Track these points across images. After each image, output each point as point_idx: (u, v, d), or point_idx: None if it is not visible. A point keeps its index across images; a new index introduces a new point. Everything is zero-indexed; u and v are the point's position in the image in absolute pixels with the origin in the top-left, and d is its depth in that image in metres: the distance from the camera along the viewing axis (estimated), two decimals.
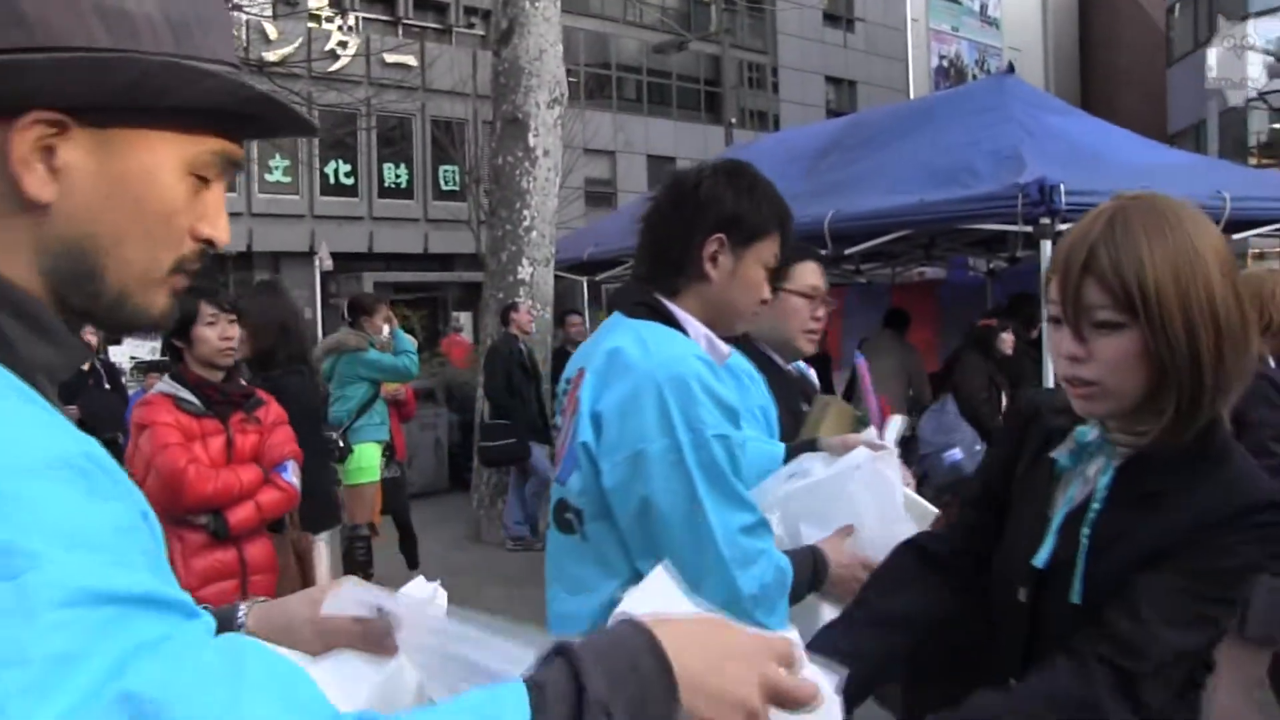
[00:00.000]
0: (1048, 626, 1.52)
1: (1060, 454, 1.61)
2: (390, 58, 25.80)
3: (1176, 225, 1.45)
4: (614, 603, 1.90)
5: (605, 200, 30.20)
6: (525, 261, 9.54)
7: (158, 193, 0.92)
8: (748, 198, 2.12)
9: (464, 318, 22.34)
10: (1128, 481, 1.52)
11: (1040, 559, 1.56)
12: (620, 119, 31.63)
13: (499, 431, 8.84)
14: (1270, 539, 1.43)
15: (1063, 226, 6.29)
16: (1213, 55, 17.48)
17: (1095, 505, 1.53)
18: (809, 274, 2.94)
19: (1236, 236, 7.97)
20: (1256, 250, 19.20)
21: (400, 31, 27.49)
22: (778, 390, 2.79)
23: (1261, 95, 18.10)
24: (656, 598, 1.19)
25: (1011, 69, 8.89)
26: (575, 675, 0.85)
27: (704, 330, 2.11)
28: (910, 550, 1.87)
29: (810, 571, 2.16)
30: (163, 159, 0.93)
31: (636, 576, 1.91)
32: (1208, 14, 29.52)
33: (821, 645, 1.64)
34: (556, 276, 10.33)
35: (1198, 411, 1.45)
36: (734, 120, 24.03)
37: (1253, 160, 24.77)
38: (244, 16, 20.45)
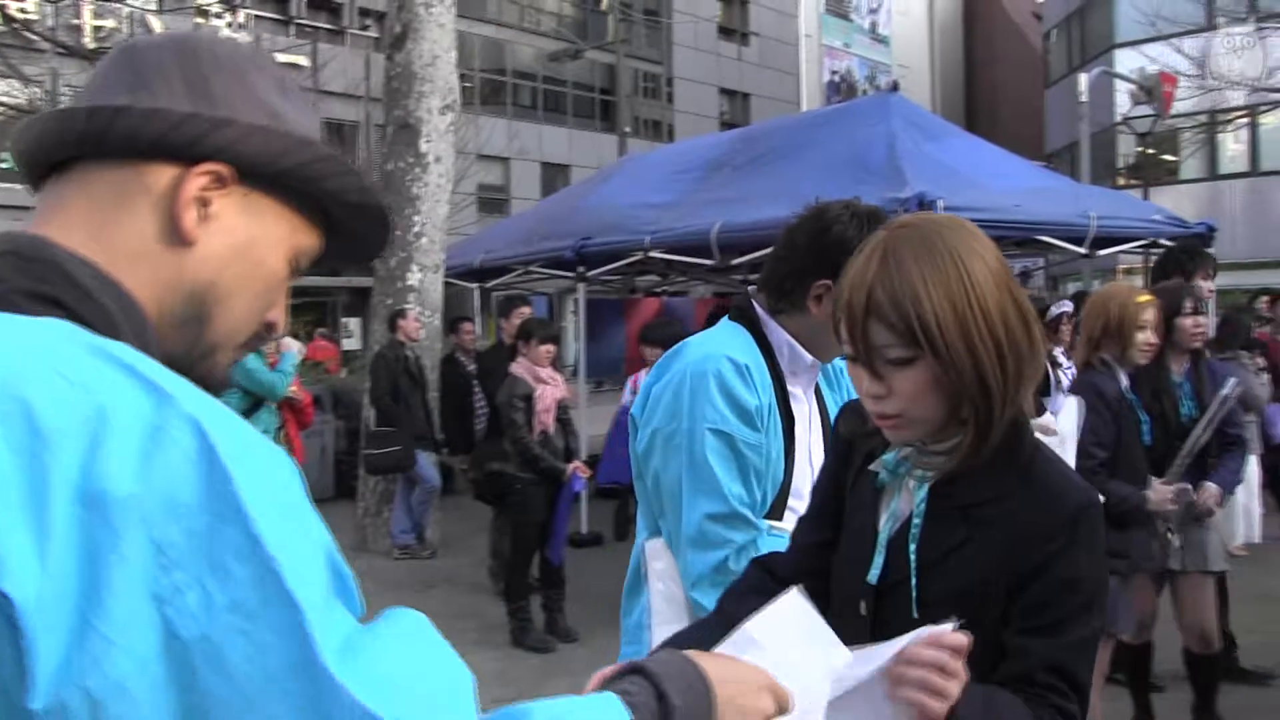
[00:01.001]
0: (891, 637, 1.58)
1: (879, 468, 1.66)
2: (281, 58, 25.37)
3: (945, 251, 1.49)
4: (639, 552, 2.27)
5: (498, 207, 30.11)
6: (415, 268, 9.48)
7: (271, 265, 1.05)
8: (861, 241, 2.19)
9: (354, 324, 22.06)
10: (943, 496, 1.58)
11: (873, 576, 1.62)
12: (515, 126, 31.58)
13: (384, 439, 8.76)
14: (1096, 539, 1.52)
15: None
16: (1083, 81, 18.14)
17: (916, 521, 1.59)
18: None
19: (1103, 253, 8.33)
20: (1125, 266, 20.01)
21: (292, 31, 27.05)
22: None
23: (1125, 120, 18.83)
24: (787, 623, 1.31)
25: (895, 87, 9.13)
26: (657, 689, 1.03)
27: (787, 338, 2.28)
28: (759, 565, 1.90)
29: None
30: (284, 236, 1.05)
31: (656, 533, 2.28)
32: (1080, 41, 30.72)
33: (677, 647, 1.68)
34: (447, 283, 10.28)
35: (992, 424, 1.51)
36: (628, 129, 24.16)
37: (1120, 181, 25.79)
38: (126, 9, 19.94)
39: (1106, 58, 26.13)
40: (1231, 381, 4.30)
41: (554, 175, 31.82)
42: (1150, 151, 23.79)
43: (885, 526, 1.64)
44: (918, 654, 1.34)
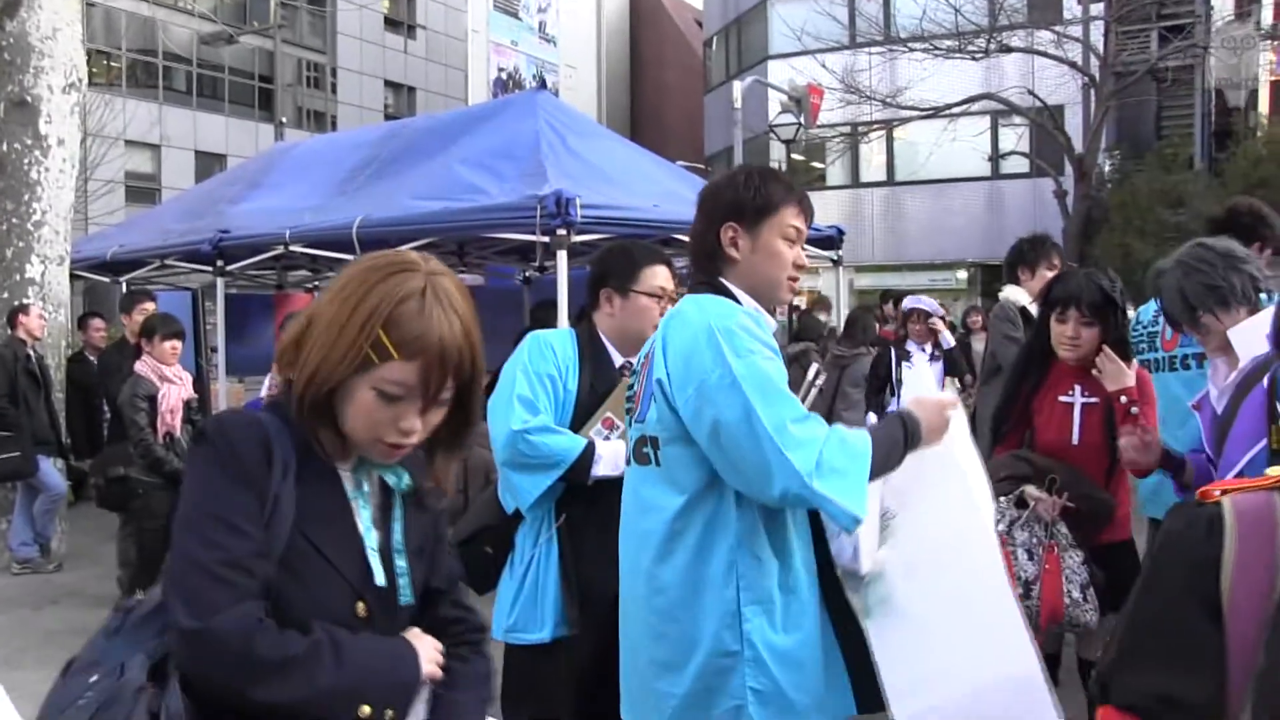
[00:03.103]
0: (387, 628, 1.71)
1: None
2: None
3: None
4: (677, 517, 2.43)
5: (148, 196, 28.22)
6: (35, 259, 8.70)
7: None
8: (744, 185, 2.54)
9: None
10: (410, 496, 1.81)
11: (380, 579, 1.71)
12: (166, 110, 29.75)
13: (1, 444, 8.01)
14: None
15: (579, 238, 6.65)
16: (738, 88, 19.11)
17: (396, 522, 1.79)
18: (657, 276, 3.33)
19: None
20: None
21: None
22: (605, 376, 3.29)
23: (772, 128, 20.01)
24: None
25: (544, 84, 9.25)
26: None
27: (753, 304, 2.53)
28: None
29: (901, 432, 2.44)
30: None
31: (703, 491, 2.41)
32: (738, 50, 32.31)
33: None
34: (80, 277, 9.51)
35: None
36: (285, 119, 23.28)
37: None
38: None
39: (761, 68, 27.57)
40: (814, 368, 4.65)
41: (209, 164, 30.03)
42: (799, 158, 25.39)
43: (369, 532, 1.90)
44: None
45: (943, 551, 2.53)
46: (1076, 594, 3.71)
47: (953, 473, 2.58)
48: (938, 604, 2.47)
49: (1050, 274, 5.16)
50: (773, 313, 2.67)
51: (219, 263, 8.55)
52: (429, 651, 1.72)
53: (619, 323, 3.31)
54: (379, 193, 7.93)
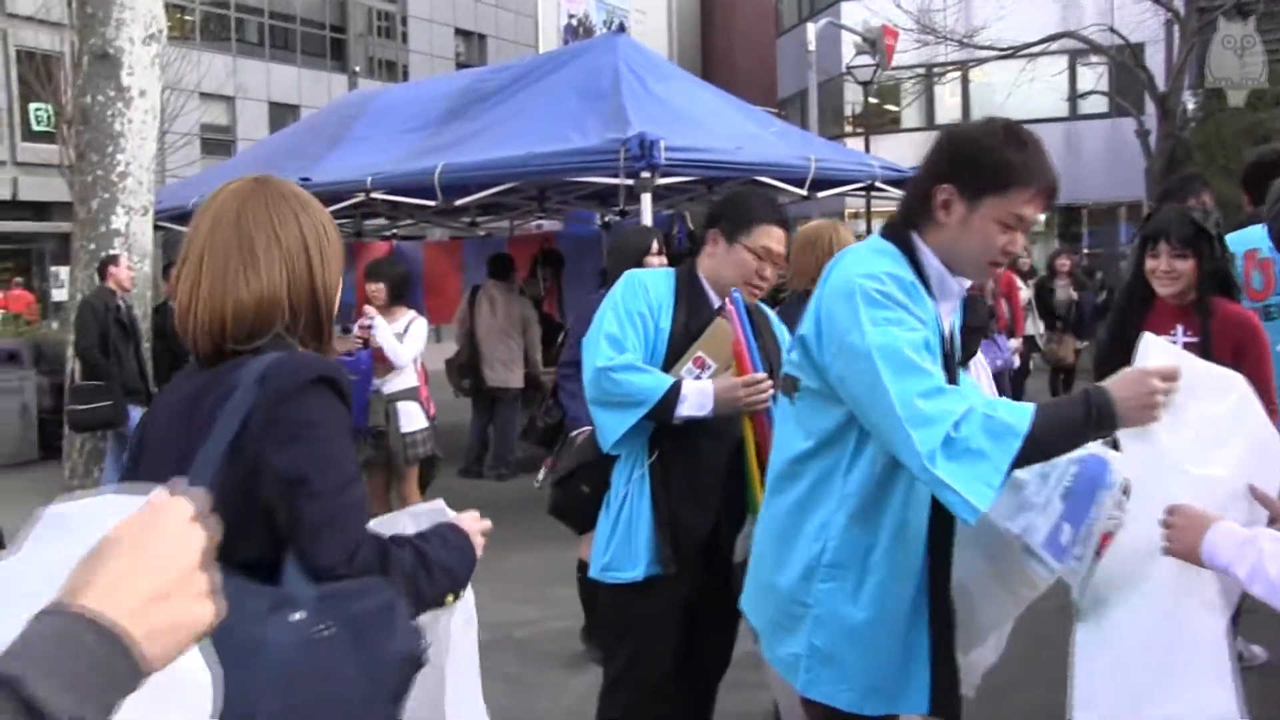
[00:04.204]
0: None
1: None
2: None
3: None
4: (797, 459, 2.40)
5: (223, 148, 28.55)
6: (120, 210, 8.80)
7: None
8: (983, 145, 2.26)
9: (64, 272, 20.52)
10: None
11: None
12: (239, 62, 30.00)
13: (91, 394, 8.16)
14: None
15: (662, 181, 6.57)
16: (811, 31, 18.79)
17: None
18: (767, 237, 3.18)
19: (823, 195, 8.66)
20: (852, 210, 20.98)
21: None
22: (700, 316, 3.18)
23: (849, 70, 19.65)
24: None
25: (622, 28, 9.14)
26: None
27: (938, 265, 2.34)
28: None
29: (1082, 409, 2.13)
30: None
31: (827, 443, 2.33)
32: None
33: None
34: (161, 228, 9.62)
35: None
36: (359, 69, 23.36)
37: (847, 128, 26.96)
38: None
39: (834, 10, 27.09)
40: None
41: (283, 115, 30.27)
42: (874, 101, 24.95)
43: None
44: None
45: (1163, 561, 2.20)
46: None
47: (1216, 459, 2.20)
48: (1149, 618, 2.26)
49: None
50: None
51: None
52: (471, 525, 1.91)
53: (716, 266, 3.23)
54: (461, 139, 7.90)
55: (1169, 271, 3.73)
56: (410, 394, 6.32)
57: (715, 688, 3.46)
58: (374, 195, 7.91)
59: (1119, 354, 4.00)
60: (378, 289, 6.33)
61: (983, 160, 2.25)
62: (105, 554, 0.90)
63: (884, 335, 2.15)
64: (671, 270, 3.33)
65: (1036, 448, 2.07)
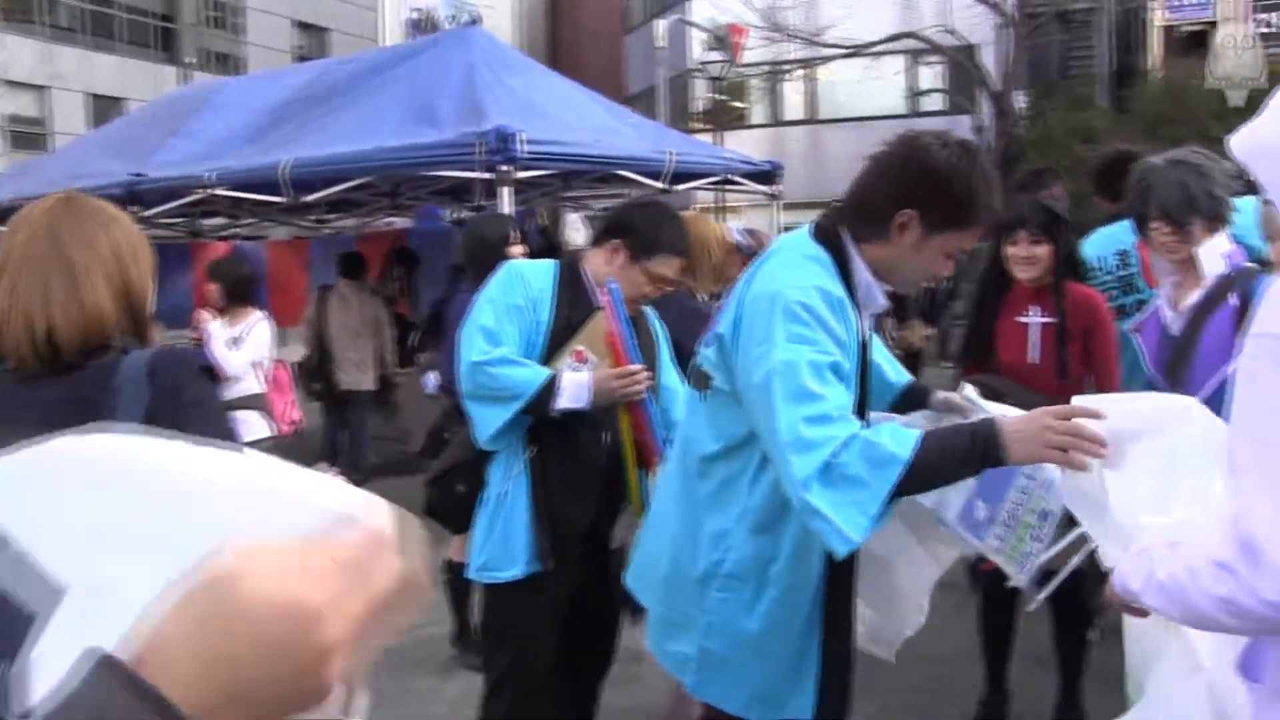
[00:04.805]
0: None
1: None
2: None
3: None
4: (705, 458, 2.37)
5: (35, 142, 27.04)
6: None
7: None
8: (958, 182, 2.24)
9: None
10: None
11: None
12: (51, 49, 28.46)
13: None
14: None
15: (521, 175, 6.48)
16: (661, 27, 18.90)
17: None
18: (668, 266, 3.15)
19: (680, 188, 8.69)
20: (701, 204, 21.20)
21: None
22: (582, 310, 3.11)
23: (702, 65, 19.89)
24: None
25: (476, 21, 8.99)
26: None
27: (868, 278, 2.34)
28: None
29: (968, 442, 2.07)
30: None
31: (735, 447, 2.32)
32: None
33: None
34: None
35: None
36: (191, 60, 22.47)
37: (696, 124, 27.24)
38: None
39: (681, 7, 27.30)
40: None
41: (106, 108, 28.68)
42: (722, 97, 25.24)
43: None
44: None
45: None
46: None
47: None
48: (1182, 686, 1.92)
49: None
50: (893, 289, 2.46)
51: (133, 208, 8.15)
52: None
53: (609, 272, 3.15)
54: (307, 133, 7.64)
55: (1028, 257, 3.89)
56: (251, 402, 5.93)
57: (599, 685, 3.42)
58: (215, 192, 7.57)
59: (979, 340, 4.13)
60: (213, 289, 6.05)
61: (956, 198, 2.27)
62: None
63: (790, 353, 2.13)
64: (553, 262, 3.25)
65: (919, 477, 2.04)
